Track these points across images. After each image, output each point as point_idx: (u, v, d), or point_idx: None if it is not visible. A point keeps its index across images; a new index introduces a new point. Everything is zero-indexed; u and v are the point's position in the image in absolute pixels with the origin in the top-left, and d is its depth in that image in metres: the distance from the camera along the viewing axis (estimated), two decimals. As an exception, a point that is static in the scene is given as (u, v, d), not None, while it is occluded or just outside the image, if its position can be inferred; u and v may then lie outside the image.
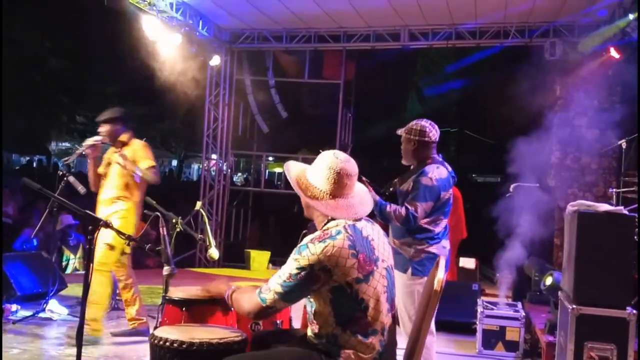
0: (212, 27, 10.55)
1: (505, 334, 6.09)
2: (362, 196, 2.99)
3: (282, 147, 13.34)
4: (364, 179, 4.51)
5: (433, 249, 4.45)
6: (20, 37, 16.91)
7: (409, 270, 4.45)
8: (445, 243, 4.59)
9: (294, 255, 2.76)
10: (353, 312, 2.75)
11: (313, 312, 2.84)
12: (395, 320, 2.96)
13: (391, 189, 4.74)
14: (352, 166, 2.94)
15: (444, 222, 4.57)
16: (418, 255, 4.45)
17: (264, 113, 12.51)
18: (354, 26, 10.30)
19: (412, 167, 4.65)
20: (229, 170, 12.19)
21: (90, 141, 5.71)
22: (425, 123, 4.58)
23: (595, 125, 9.17)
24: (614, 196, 6.80)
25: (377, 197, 4.49)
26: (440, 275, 2.84)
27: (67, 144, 27.37)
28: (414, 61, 15.15)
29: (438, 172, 4.45)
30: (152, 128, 25.23)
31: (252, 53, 11.71)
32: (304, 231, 3.16)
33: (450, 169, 4.62)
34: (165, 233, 3.32)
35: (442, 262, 2.97)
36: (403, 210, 4.37)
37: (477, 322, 6.22)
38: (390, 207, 4.42)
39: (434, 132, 4.55)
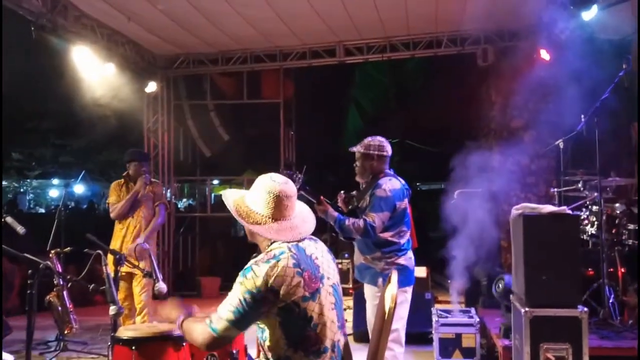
0: (146, 54, 10.40)
1: (462, 341, 6.12)
2: (303, 215, 2.98)
3: (226, 169, 13.21)
4: (322, 198, 4.60)
5: (402, 261, 4.64)
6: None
7: (379, 281, 4.61)
8: (411, 254, 4.79)
9: (239, 279, 2.71)
10: (303, 332, 2.72)
11: (264, 338, 2.79)
12: (347, 337, 2.94)
13: (350, 207, 4.84)
14: (290, 187, 2.92)
15: (407, 234, 4.76)
16: (388, 267, 4.58)
17: (205, 137, 12.34)
18: (289, 45, 10.31)
19: (364, 183, 4.79)
20: (173, 197, 11.98)
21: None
22: (381, 138, 4.84)
23: (531, 126, 9.37)
24: (556, 196, 6.95)
25: (336, 214, 4.60)
26: (394, 290, 2.84)
27: (4, 182, 26.55)
28: (352, 76, 15.25)
29: (391, 183, 4.64)
30: (90, 160, 24.75)
31: (189, 77, 11.55)
32: (254, 254, 3.11)
33: (403, 181, 4.78)
34: (108, 272, 3.20)
35: (394, 278, 2.99)
36: (361, 222, 4.53)
37: (433, 331, 6.24)
38: (349, 221, 4.58)
39: (389, 146, 4.79)
